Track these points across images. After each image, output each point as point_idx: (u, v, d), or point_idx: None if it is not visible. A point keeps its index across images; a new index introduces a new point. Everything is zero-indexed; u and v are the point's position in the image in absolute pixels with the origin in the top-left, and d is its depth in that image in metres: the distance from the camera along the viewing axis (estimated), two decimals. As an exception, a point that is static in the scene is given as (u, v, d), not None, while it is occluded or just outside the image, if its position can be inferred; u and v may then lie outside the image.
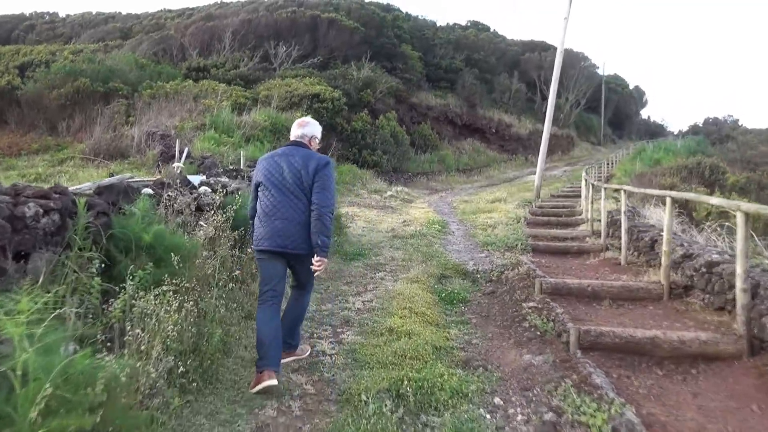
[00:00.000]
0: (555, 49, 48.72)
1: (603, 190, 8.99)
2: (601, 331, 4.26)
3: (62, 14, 51.73)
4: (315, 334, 4.57)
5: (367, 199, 16.42)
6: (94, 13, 50.02)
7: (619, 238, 8.76)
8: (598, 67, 52.30)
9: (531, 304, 5.34)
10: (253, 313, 4.50)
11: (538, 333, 4.58)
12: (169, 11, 44.56)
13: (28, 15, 50.87)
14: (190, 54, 28.78)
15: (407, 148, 26.41)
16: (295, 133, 3.97)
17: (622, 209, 7.54)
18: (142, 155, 16.59)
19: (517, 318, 5.10)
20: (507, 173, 31.87)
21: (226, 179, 6.19)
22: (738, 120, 66.84)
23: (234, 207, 5.27)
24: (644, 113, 67.88)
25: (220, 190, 5.25)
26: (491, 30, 50.26)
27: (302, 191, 3.66)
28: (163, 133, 17.42)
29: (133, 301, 3.16)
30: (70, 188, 4.06)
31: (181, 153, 14.51)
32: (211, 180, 6.02)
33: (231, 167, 8.37)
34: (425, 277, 6.65)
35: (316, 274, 3.74)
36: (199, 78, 24.81)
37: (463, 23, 50.27)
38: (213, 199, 5.10)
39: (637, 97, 61.68)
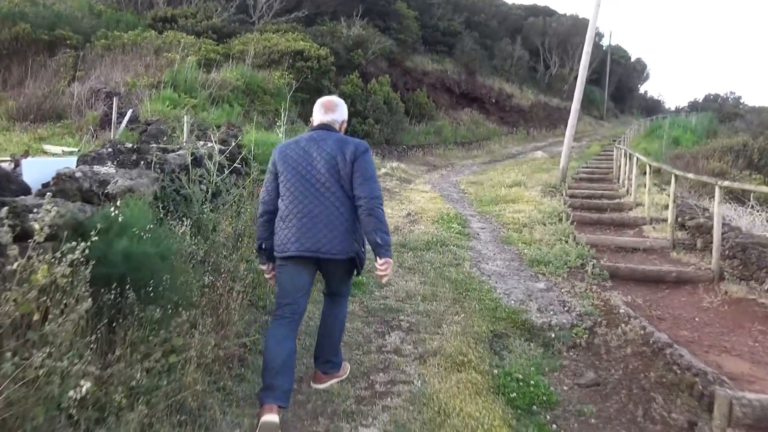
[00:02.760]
0: (559, 15, 45.54)
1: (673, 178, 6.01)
2: None
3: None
4: None
5: (357, 179, 13.47)
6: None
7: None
8: (603, 35, 49.13)
9: (727, 460, 2.56)
10: None
11: None
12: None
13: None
14: (157, 2, 25.19)
15: (402, 117, 23.39)
16: (321, 117, 3.16)
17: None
18: (82, 117, 13.53)
19: None
20: (509, 148, 29.05)
21: (110, 169, 3.24)
22: (740, 97, 64.57)
23: (110, 228, 2.39)
24: (642, 88, 64.88)
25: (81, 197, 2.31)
26: (491, -9, 46.66)
27: (338, 183, 2.96)
28: (110, 90, 14.33)
29: None
30: None
31: (121, 116, 11.47)
32: (77, 173, 3.07)
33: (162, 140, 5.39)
34: (471, 345, 3.81)
35: (385, 280, 3.01)
36: (166, 29, 21.42)
37: (462, -17, 46.53)
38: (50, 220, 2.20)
39: (639, 71, 58.62)
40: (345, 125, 3.24)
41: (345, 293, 3.31)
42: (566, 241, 7.44)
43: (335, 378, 3.33)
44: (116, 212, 2.72)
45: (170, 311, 2.74)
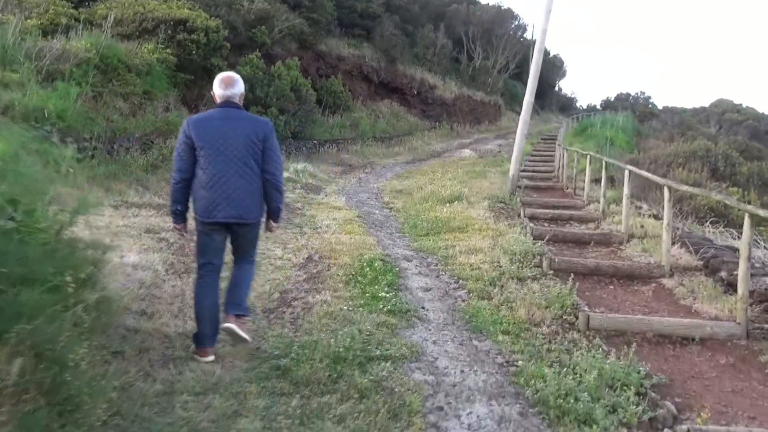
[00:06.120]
0: (482, 4, 43.41)
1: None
2: None
3: None
4: None
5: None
6: None
7: None
8: (525, 28, 47.58)
9: None
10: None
11: None
12: None
13: None
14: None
15: (313, 107, 19.80)
16: (223, 92, 3.61)
17: None
18: None
19: None
20: (433, 145, 26.23)
21: None
22: (650, 97, 65.88)
23: None
24: (558, 85, 64.38)
25: None
26: (411, -24, 43.73)
27: (252, 158, 3.53)
28: None
29: None
30: None
31: None
32: None
33: None
34: None
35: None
36: (8, -14, 16.65)
37: (381, -35, 43.28)
38: None
39: (558, 66, 57.91)
40: (242, 98, 3.68)
41: (253, 257, 3.88)
42: (572, 325, 4.34)
43: (242, 324, 3.61)
44: None
45: None
